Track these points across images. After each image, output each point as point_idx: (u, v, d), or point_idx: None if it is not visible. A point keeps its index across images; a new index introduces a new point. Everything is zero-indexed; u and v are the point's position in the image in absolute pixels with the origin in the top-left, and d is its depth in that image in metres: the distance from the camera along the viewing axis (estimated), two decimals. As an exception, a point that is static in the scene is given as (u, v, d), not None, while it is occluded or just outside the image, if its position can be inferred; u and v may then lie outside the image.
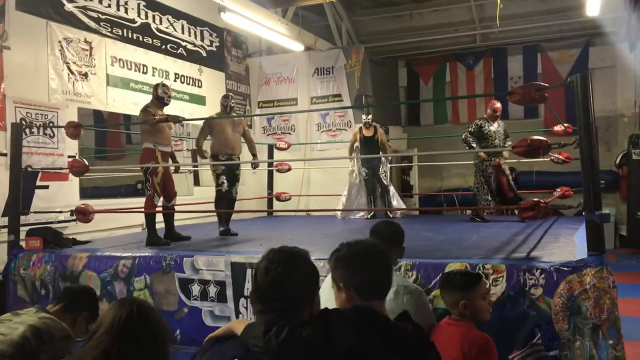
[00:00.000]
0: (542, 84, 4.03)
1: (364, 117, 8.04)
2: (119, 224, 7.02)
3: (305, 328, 1.69)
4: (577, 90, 3.57)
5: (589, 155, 3.56)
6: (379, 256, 2.01)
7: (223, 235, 6.09)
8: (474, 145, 7.04)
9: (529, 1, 11.28)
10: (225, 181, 6.18)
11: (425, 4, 11.98)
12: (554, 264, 3.58)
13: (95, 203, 6.06)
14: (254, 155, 6.67)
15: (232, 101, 6.44)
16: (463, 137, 7.16)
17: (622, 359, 3.38)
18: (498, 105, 7.26)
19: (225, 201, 6.25)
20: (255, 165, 6.84)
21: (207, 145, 6.40)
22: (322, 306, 1.89)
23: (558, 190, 7.46)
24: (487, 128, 7.13)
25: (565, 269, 3.52)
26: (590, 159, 3.56)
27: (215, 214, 6.52)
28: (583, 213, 7.96)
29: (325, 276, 2.69)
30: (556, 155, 7.07)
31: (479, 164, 7.24)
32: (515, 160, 10.78)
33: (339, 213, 8.10)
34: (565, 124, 7.36)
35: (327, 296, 2.15)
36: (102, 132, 12.13)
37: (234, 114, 6.86)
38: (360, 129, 8.06)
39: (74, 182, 6.93)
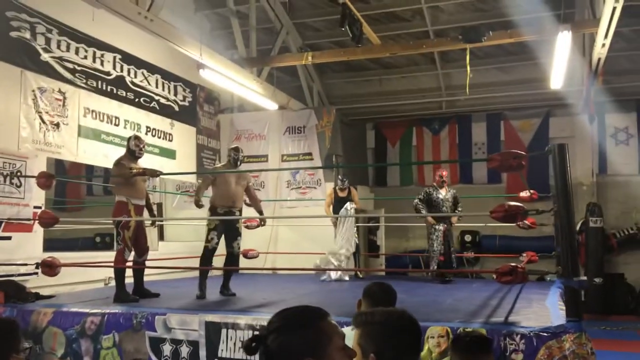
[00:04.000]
0: (519, 152, 4.18)
1: (339, 181, 8.18)
2: (80, 278, 6.79)
3: None
4: (555, 159, 3.71)
5: (567, 222, 3.67)
6: (413, 329, 1.92)
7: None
8: (423, 211, 7.69)
9: (493, 72, 11.79)
10: (215, 237, 5.91)
11: (394, 70, 12.38)
12: (534, 329, 3.62)
13: (54, 256, 5.81)
14: (260, 213, 6.55)
15: (242, 155, 6.32)
16: (413, 204, 7.81)
17: None
18: (444, 172, 7.99)
19: (209, 260, 5.98)
20: (263, 222, 6.72)
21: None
22: None
23: (524, 255, 7.62)
24: (435, 195, 7.73)
25: (545, 334, 3.56)
26: (568, 226, 3.66)
27: (184, 271, 6.36)
28: (548, 279, 8.11)
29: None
30: (524, 221, 7.27)
31: (429, 229, 7.74)
32: (481, 225, 11.03)
33: (332, 274, 7.93)
34: (531, 190, 7.63)
35: None
36: (63, 183, 11.87)
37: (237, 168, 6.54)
38: (335, 189, 8.14)
39: (38, 233, 6.69)
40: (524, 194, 7.61)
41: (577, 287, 3.60)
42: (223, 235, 6.03)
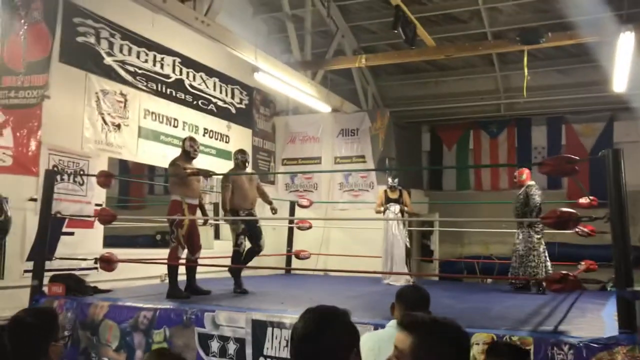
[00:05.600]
0: (573, 157, 4.06)
1: (390, 180, 8.11)
2: (138, 274, 7.02)
3: None
4: (609, 165, 3.59)
5: (621, 230, 3.54)
6: (464, 337, 1.84)
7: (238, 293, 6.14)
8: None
9: (554, 74, 11.45)
10: (243, 241, 6.24)
11: (451, 72, 12.22)
12: (584, 340, 3.51)
13: (114, 252, 6.07)
14: (271, 203, 6.83)
15: (247, 156, 6.67)
16: (539, 200, 7.18)
17: None
18: (516, 172, 7.44)
19: (240, 261, 6.30)
20: (275, 211, 6.91)
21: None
22: None
23: (583, 263, 7.39)
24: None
25: (595, 345, 3.44)
26: (622, 234, 3.53)
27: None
28: (608, 289, 7.83)
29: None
30: (581, 228, 7.04)
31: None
32: (538, 231, 10.70)
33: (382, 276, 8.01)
34: (591, 197, 7.37)
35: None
36: (126, 182, 12.34)
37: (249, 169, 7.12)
38: (385, 191, 8.11)
39: (98, 230, 6.98)
40: (584, 200, 7.37)
41: (630, 298, 3.46)
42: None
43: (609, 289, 8.35)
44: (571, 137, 12.22)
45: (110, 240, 7.84)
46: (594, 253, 8.85)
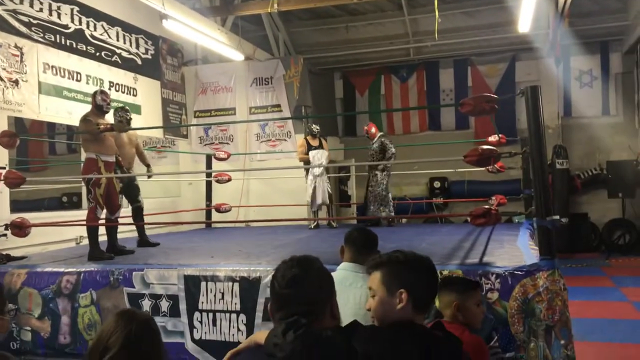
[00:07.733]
0: (492, 95, 4.20)
1: (314, 127, 8.11)
2: (51, 238, 6.68)
3: (326, 330, 1.74)
4: (528, 102, 3.73)
5: (540, 164, 3.73)
6: (433, 266, 2.06)
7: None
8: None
9: (460, 16, 11.72)
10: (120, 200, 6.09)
11: (361, 17, 12.20)
12: (508, 269, 3.71)
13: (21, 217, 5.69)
14: (148, 166, 6.71)
15: (129, 114, 6.26)
16: (394, 151, 8.05)
17: (573, 358, 3.54)
18: (365, 127, 8.44)
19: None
20: (150, 176, 7.01)
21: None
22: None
23: (494, 198, 7.80)
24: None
25: (519, 273, 3.65)
26: (541, 167, 3.72)
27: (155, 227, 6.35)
28: (516, 220, 8.29)
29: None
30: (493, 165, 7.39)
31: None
32: (450, 170, 11.18)
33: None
34: (500, 135, 7.75)
35: (352, 309, 2.19)
36: (24, 142, 11.57)
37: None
38: (306, 139, 8.08)
39: (4, 194, 6.53)
40: (493, 138, 7.72)
41: (550, 227, 3.68)
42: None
43: (516, 220, 8.90)
44: (477, 78, 12.68)
45: (13, 206, 7.35)
46: (499, 188, 9.39)
